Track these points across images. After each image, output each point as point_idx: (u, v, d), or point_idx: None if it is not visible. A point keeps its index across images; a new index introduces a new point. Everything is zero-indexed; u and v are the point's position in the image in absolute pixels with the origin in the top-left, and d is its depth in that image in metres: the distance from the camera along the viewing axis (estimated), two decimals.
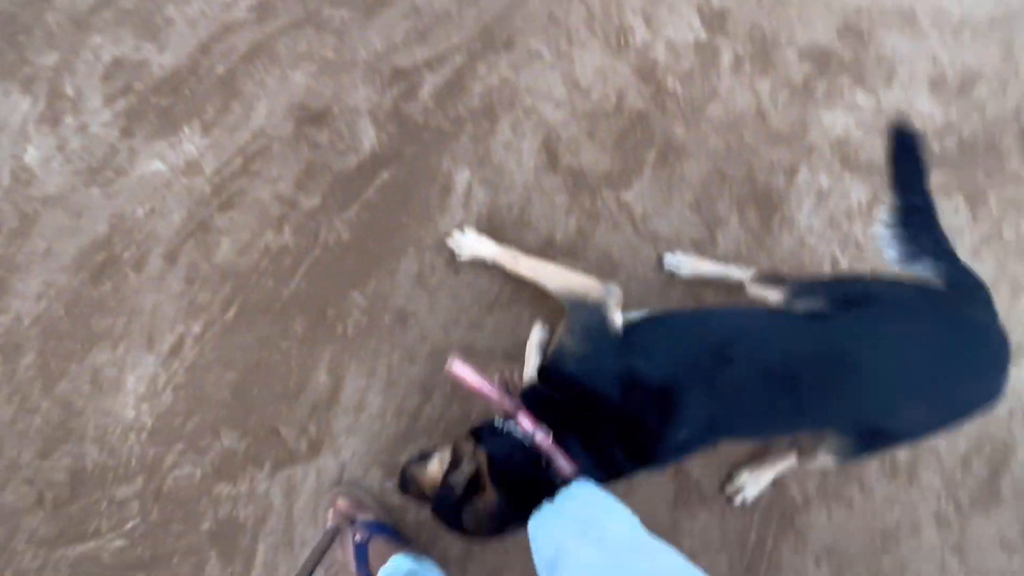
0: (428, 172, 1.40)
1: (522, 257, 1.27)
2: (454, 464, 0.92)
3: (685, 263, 1.41)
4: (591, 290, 1.07)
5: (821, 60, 1.65)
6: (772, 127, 1.58)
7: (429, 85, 1.44)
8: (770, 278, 1.18)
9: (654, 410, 0.93)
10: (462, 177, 1.41)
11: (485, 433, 0.96)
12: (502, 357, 1.33)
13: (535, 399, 0.99)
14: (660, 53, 1.57)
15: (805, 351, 0.94)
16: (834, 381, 0.93)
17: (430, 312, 1.33)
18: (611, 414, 0.94)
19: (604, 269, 1.40)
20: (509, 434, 0.94)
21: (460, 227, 1.36)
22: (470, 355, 1.31)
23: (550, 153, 1.46)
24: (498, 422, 0.97)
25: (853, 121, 1.61)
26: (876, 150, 1.59)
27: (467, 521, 0.91)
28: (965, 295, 1.00)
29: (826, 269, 1.50)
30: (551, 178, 1.44)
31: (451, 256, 1.35)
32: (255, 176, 1.33)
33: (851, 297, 0.99)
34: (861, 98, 1.64)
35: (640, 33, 1.58)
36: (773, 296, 1.13)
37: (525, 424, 0.93)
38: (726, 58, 1.60)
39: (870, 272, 1.51)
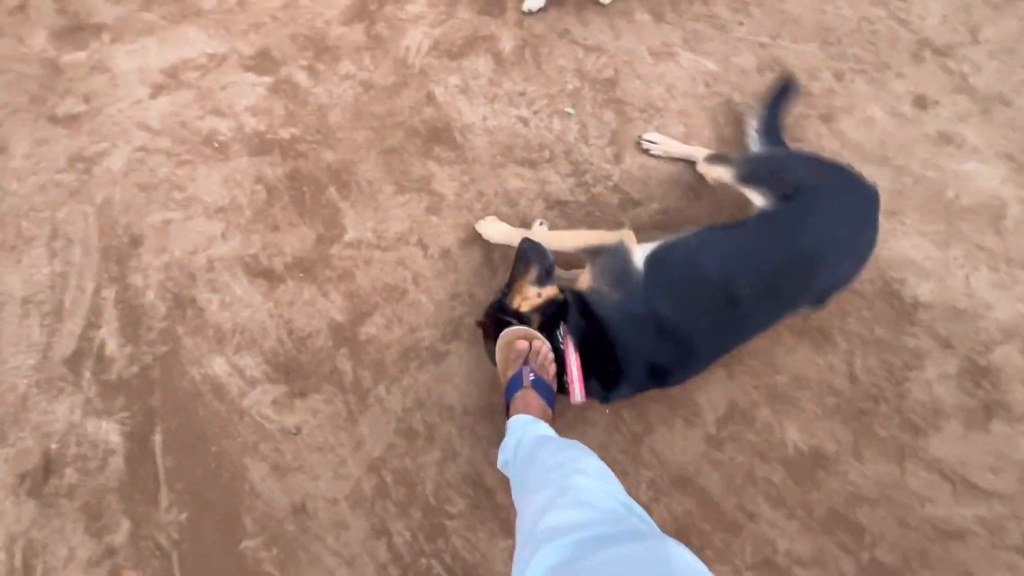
0: (188, 394, 1.28)
1: (536, 232, 1.33)
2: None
3: (658, 143, 1.56)
4: (605, 238, 1.20)
5: (360, 13, 1.73)
6: (383, 84, 1.64)
7: (108, 343, 1.30)
8: (717, 157, 1.40)
9: (678, 355, 1.12)
10: (219, 367, 1.30)
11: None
12: (405, 438, 1.28)
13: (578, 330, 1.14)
14: (251, 123, 1.56)
15: (779, 262, 1.14)
16: (804, 277, 1.16)
17: (314, 480, 1.23)
18: (638, 352, 1.11)
19: (393, 296, 1.39)
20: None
21: (482, 217, 1.45)
22: (372, 466, 1.24)
23: (261, 274, 1.39)
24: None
25: (425, 30, 1.73)
26: (459, 37, 1.72)
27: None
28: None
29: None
30: (283, 288, 1.38)
31: (282, 426, 1.26)
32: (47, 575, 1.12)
33: (787, 185, 1.21)
34: (415, 8, 1.75)
35: (222, 126, 1.55)
36: (724, 175, 1.32)
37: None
38: (299, 77, 1.63)
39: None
